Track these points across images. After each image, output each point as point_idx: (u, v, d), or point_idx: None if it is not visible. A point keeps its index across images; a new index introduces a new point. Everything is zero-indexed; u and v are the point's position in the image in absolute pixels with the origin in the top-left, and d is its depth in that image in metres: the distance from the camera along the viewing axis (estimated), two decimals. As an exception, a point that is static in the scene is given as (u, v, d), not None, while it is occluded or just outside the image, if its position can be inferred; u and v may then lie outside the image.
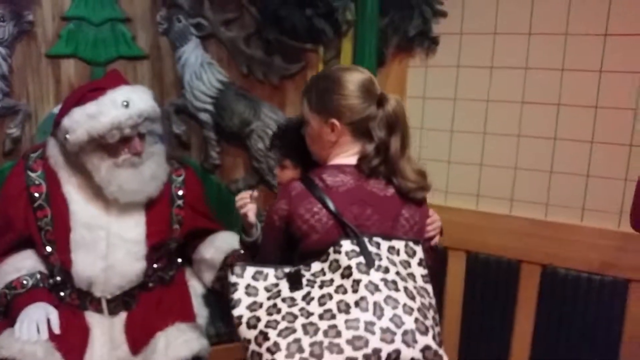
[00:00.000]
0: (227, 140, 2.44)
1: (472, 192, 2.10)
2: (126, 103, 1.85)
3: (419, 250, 1.44)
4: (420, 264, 1.42)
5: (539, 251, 2.10)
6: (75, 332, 1.85)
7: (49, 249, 1.91)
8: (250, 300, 1.38)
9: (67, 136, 1.84)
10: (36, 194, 1.91)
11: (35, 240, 1.93)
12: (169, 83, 2.44)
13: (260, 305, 1.36)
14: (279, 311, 1.34)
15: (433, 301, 1.41)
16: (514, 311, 2.18)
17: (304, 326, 1.29)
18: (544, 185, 2.06)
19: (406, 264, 1.40)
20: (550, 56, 2.00)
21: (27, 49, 2.25)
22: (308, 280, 1.38)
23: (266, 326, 1.32)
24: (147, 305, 1.99)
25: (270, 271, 1.42)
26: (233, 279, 1.41)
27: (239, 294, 1.38)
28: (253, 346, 1.32)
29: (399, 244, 1.42)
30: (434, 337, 1.31)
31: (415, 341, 1.27)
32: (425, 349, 1.28)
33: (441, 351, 1.32)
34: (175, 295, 2.07)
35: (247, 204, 1.62)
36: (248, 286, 1.40)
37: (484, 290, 2.15)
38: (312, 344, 1.26)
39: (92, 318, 1.94)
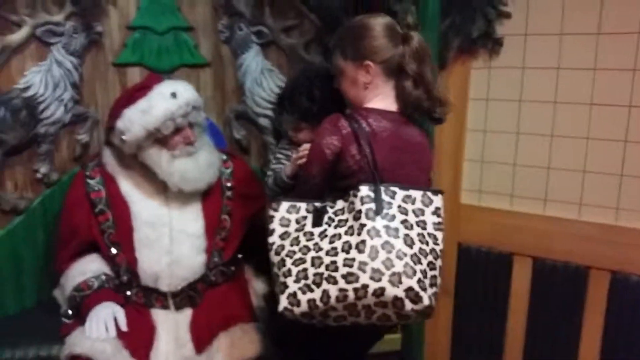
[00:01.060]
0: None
1: (539, 196, 2.04)
2: (174, 94, 1.93)
3: (437, 200, 1.59)
4: (434, 212, 1.58)
5: (608, 257, 2.03)
6: (141, 330, 1.91)
7: (114, 250, 1.98)
8: (283, 230, 1.60)
9: (124, 137, 1.91)
10: (97, 200, 1.99)
11: (99, 243, 2.00)
12: (230, 90, 2.49)
13: (289, 235, 1.59)
14: (298, 243, 1.56)
15: (438, 247, 1.57)
16: (581, 319, 2.11)
17: (312, 259, 1.52)
18: (614, 188, 1.98)
19: (420, 212, 1.55)
20: (620, 56, 1.93)
21: (96, 58, 2.34)
22: (329, 218, 1.58)
23: (286, 255, 1.55)
24: (212, 303, 2.03)
25: (302, 205, 1.63)
26: (271, 212, 1.63)
27: (274, 225, 1.60)
28: (275, 269, 1.55)
29: (416, 194, 1.57)
30: (419, 281, 1.47)
31: (400, 282, 1.45)
32: (409, 289, 1.45)
33: (423, 293, 1.47)
34: (237, 294, 2.11)
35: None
36: (282, 218, 1.61)
37: (550, 297, 2.08)
38: (315, 274, 1.49)
39: (158, 316, 1.99)
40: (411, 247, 1.49)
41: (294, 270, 1.51)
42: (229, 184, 2.14)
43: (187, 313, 2.02)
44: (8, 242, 2.20)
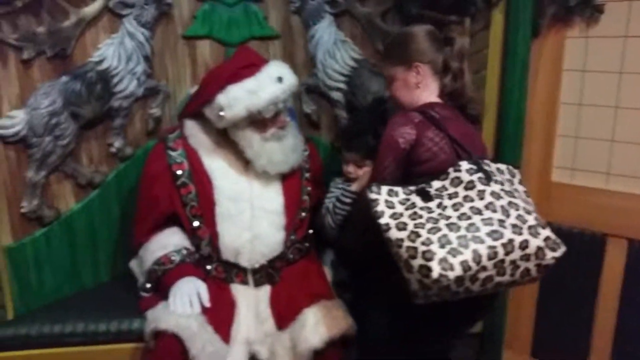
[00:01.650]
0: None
1: (638, 175, 1.90)
2: (280, 78, 1.89)
3: (517, 173, 1.69)
4: (520, 182, 1.68)
5: None
6: (223, 305, 1.90)
7: (196, 223, 1.97)
8: (391, 211, 1.59)
9: (222, 113, 1.87)
10: (179, 172, 1.97)
11: (180, 216, 1.98)
12: (300, 63, 2.41)
13: (401, 214, 1.57)
14: (420, 217, 1.55)
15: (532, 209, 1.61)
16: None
17: (447, 225, 1.51)
18: None
19: (510, 182, 1.64)
20: None
21: (166, 31, 2.29)
22: (435, 194, 1.59)
23: (415, 227, 1.53)
24: (290, 279, 2.00)
25: (399, 189, 1.63)
26: (373, 195, 1.61)
27: (381, 207, 1.59)
28: (407, 242, 1.51)
29: (503, 166, 1.68)
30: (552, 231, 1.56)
31: (538, 233, 1.51)
32: (547, 239, 1.52)
33: (559, 240, 1.54)
34: (314, 270, 2.08)
35: None
36: (386, 201, 1.60)
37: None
38: (458, 237, 1.48)
39: (238, 291, 1.98)
40: (528, 205, 1.58)
41: (434, 237, 1.48)
42: (307, 166, 2.13)
43: (266, 289, 2.00)
44: (84, 215, 2.21)
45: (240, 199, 1.96)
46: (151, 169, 2.01)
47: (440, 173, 1.62)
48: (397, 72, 1.81)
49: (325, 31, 2.31)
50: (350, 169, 2.06)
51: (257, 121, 1.90)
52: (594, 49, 1.90)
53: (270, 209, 1.99)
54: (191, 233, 1.99)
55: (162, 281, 1.92)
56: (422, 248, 1.47)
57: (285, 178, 2.06)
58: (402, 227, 1.54)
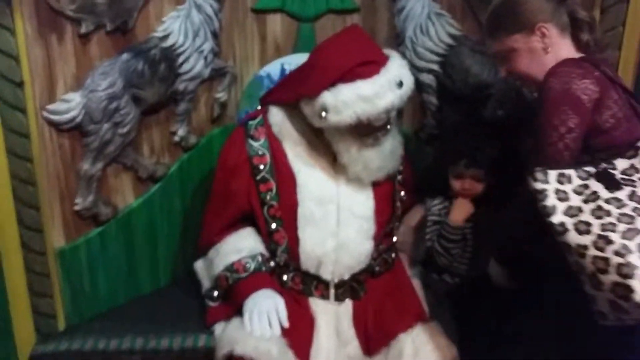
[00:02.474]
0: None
1: None
2: (401, 83, 1.57)
3: None
4: None
5: None
6: (301, 323, 1.64)
7: (274, 225, 1.69)
8: (565, 205, 1.27)
9: (326, 115, 1.57)
10: (261, 166, 1.69)
11: (257, 216, 1.72)
12: (383, 39, 2.10)
13: (580, 210, 1.26)
14: (608, 213, 1.24)
15: None
16: None
17: None
18: None
19: None
20: None
21: (234, 3, 2.01)
22: (623, 179, 1.29)
23: (603, 230, 1.21)
24: (376, 295, 1.73)
25: (571, 172, 1.30)
26: (539, 185, 1.29)
27: (552, 200, 1.27)
28: (593, 251, 1.20)
29: None
30: None
31: None
32: None
33: None
34: (403, 285, 1.80)
35: None
36: (557, 191, 1.29)
37: None
38: None
39: (317, 306, 1.71)
40: None
41: (632, 245, 1.16)
42: (400, 167, 1.82)
43: (348, 305, 1.73)
44: (145, 212, 1.96)
45: (326, 200, 1.68)
46: (229, 159, 1.73)
47: (624, 148, 1.32)
48: (516, 42, 1.50)
49: (418, 3, 1.99)
50: (468, 184, 1.74)
51: (360, 126, 1.59)
52: None
53: (359, 214, 1.70)
54: (267, 237, 1.72)
55: (234, 290, 1.67)
56: (616, 260, 1.16)
57: (377, 179, 1.76)
58: (583, 228, 1.21)
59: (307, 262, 1.70)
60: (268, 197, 1.69)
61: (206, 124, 2.08)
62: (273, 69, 2.16)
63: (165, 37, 1.85)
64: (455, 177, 1.77)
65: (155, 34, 1.84)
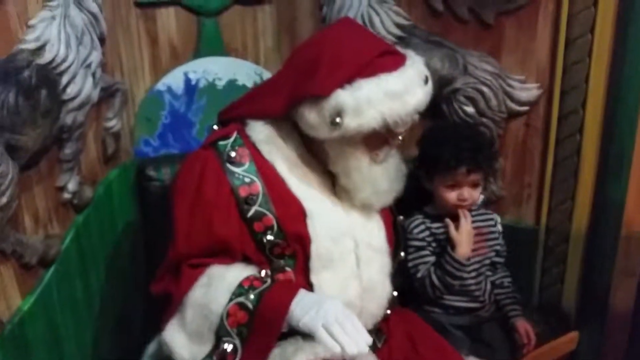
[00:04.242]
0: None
1: None
2: (427, 78, 1.22)
3: None
4: None
5: None
6: None
7: (281, 264, 1.23)
8: None
9: (342, 120, 1.15)
10: (251, 197, 1.21)
11: (256, 263, 1.23)
12: (304, 35, 1.75)
13: None
14: None
15: None
16: None
17: None
18: None
19: None
20: None
21: (115, -5, 1.47)
22: None
23: None
24: (397, 344, 1.38)
25: None
26: None
27: None
28: None
29: None
30: None
31: None
32: None
33: None
34: (417, 325, 1.47)
35: None
36: None
37: None
38: None
39: None
40: None
41: None
42: None
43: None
44: (41, 313, 1.29)
45: (341, 234, 1.27)
46: (207, 191, 1.20)
47: None
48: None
49: (355, -12, 1.67)
50: (467, 193, 1.49)
51: (377, 135, 1.22)
52: None
53: (377, 247, 1.34)
54: None
55: (261, 314, 1.13)
56: None
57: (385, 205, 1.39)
58: None
59: None
60: (268, 237, 1.21)
61: (99, 166, 1.49)
62: (174, 81, 1.67)
63: (40, 49, 1.22)
64: (450, 187, 1.51)
65: (24, 45, 1.20)
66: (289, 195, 1.24)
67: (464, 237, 1.49)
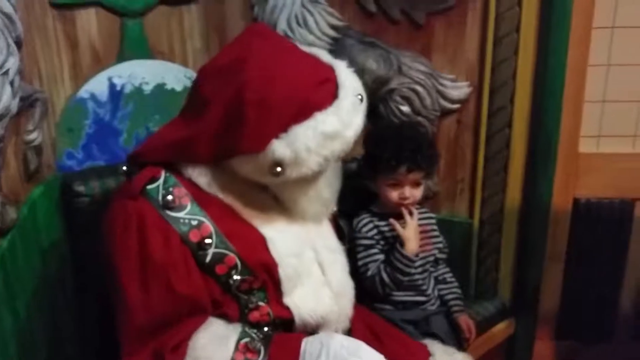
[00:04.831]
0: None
1: (665, 133, 1.83)
2: (360, 96, 1.15)
3: None
4: None
5: None
6: None
7: (253, 301, 1.17)
8: None
9: (282, 169, 1.08)
10: (205, 240, 1.12)
11: (224, 306, 1.15)
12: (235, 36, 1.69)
13: None
14: None
15: None
16: None
17: None
18: None
19: None
20: None
21: (29, -4, 1.34)
22: None
23: None
24: (361, 337, 1.34)
25: None
26: None
27: None
28: None
29: None
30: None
31: None
32: None
33: None
34: (374, 318, 1.48)
35: None
36: None
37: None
38: None
39: None
40: None
41: None
42: None
43: None
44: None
45: (303, 248, 1.23)
46: (155, 251, 1.08)
47: None
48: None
49: (287, -13, 1.63)
50: (408, 192, 1.51)
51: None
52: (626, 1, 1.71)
53: (334, 248, 1.32)
54: (243, 319, 1.17)
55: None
56: None
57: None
58: None
59: (305, 328, 1.22)
60: (234, 277, 1.13)
61: (21, 184, 1.34)
62: (98, 87, 1.57)
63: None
64: (392, 186, 1.52)
65: None
66: (243, 225, 1.17)
67: (411, 233, 1.51)
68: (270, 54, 1.12)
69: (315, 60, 1.17)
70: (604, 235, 1.90)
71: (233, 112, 1.07)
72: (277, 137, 1.07)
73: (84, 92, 1.51)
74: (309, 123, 1.07)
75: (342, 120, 1.10)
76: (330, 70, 1.15)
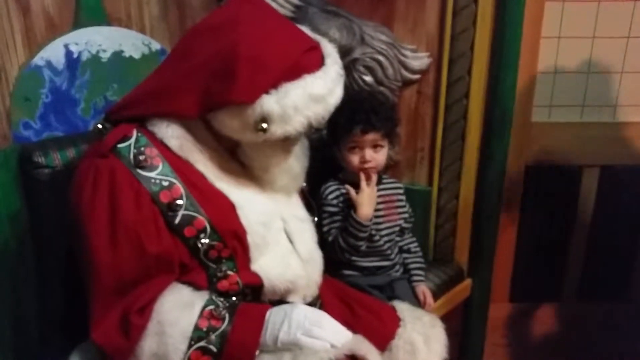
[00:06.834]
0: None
1: (609, 104, 1.90)
2: (342, 71, 1.20)
3: None
4: None
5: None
6: None
7: (223, 269, 1.18)
8: None
9: (268, 126, 1.10)
10: (175, 201, 1.12)
11: (193, 270, 1.17)
12: (194, 3, 1.67)
13: None
14: None
15: None
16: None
17: None
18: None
19: None
20: None
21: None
22: None
23: None
24: (332, 307, 1.39)
25: None
26: None
27: None
28: None
29: None
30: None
31: None
32: None
33: None
34: (343, 287, 1.52)
35: None
36: None
37: (617, 204, 1.96)
38: None
39: None
40: None
41: None
42: None
43: None
44: None
45: (271, 217, 1.26)
46: (125, 209, 1.09)
47: None
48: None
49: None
50: (368, 155, 1.54)
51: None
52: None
53: (303, 217, 1.35)
54: (209, 289, 1.18)
55: (228, 353, 1.08)
56: None
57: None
58: None
59: (277, 292, 1.25)
60: (202, 240, 1.15)
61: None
62: (53, 54, 1.51)
63: None
64: (351, 150, 1.55)
65: None
66: (213, 190, 1.18)
67: (365, 199, 1.54)
68: (262, 18, 1.17)
69: (301, 31, 1.21)
70: (554, 200, 2.01)
71: (225, 65, 1.10)
72: (267, 92, 1.10)
73: (39, 59, 1.45)
74: (299, 82, 1.11)
75: (327, 86, 1.15)
76: (315, 41, 1.20)
